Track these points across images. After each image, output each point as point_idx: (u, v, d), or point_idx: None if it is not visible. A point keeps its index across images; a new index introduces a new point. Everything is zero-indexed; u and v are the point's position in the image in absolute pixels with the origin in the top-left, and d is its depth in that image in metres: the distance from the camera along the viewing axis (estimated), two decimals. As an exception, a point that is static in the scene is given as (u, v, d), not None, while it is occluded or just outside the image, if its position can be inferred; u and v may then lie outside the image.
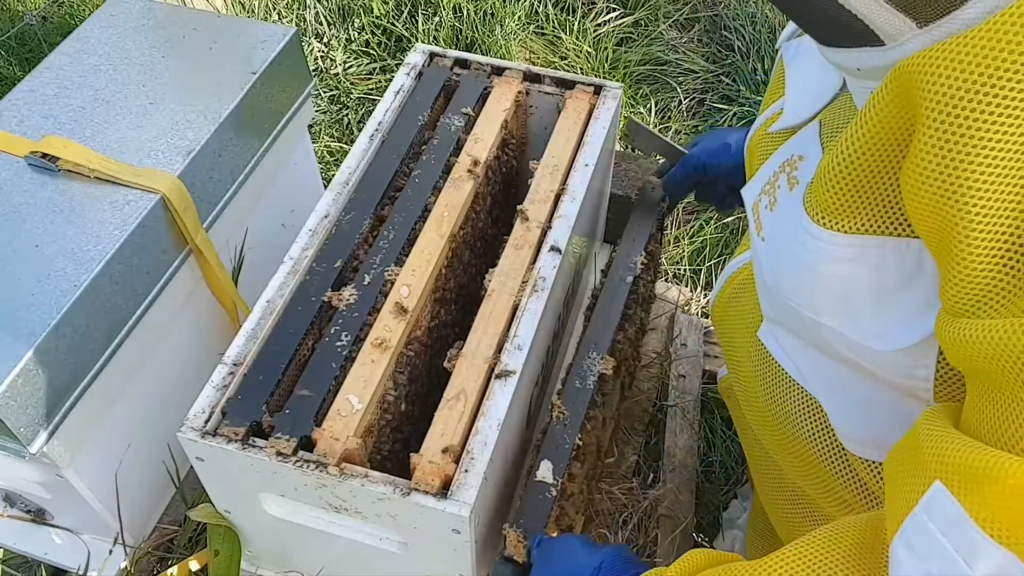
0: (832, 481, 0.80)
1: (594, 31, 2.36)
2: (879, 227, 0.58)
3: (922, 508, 0.49)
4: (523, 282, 0.93)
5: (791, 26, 0.88)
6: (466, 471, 0.78)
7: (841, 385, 0.72)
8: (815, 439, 0.80)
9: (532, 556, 0.82)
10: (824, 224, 0.60)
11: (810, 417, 0.80)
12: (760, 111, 0.89)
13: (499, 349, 0.88)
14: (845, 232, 0.59)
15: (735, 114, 2.19)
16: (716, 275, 1.87)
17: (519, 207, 1.00)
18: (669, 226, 1.93)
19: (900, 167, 0.54)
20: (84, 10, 2.34)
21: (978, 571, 0.45)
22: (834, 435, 0.77)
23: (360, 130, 1.65)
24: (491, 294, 0.92)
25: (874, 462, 0.73)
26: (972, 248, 0.47)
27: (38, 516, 1.18)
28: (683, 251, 1.87)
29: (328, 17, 2.35)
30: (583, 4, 2.43)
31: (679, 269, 1.84)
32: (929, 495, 0.49)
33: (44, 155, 1.05)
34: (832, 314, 0.64)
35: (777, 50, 0.88)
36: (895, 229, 0.58)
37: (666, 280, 1.78)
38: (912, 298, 0.59)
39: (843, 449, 0.77)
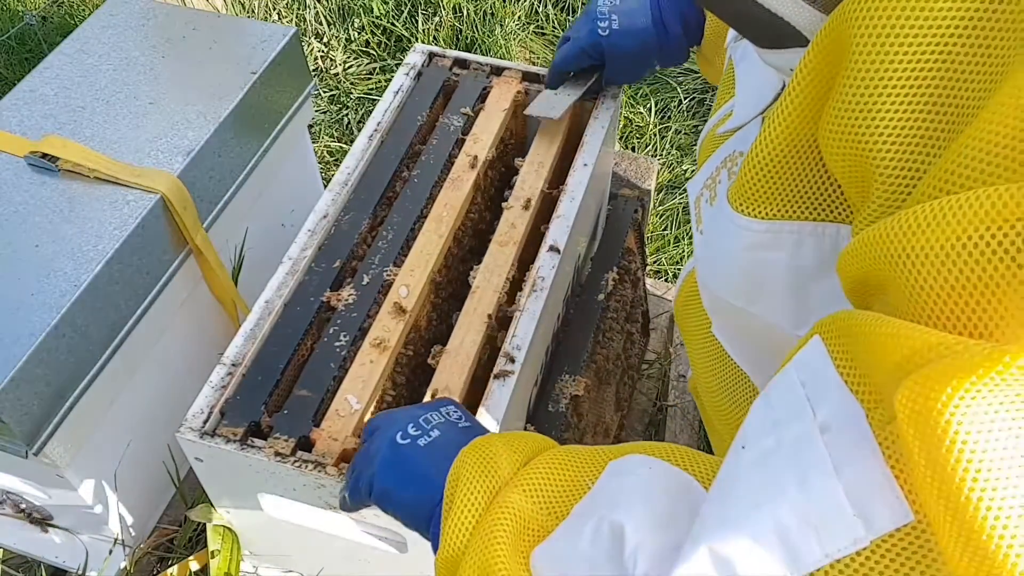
0: None
1: (594, 31, 2.36)
2: (795, 212, 0.59)
3: (794, 362, 0.47)
4: (506, 279, 0.93)
5: None
6: (465, 471, 0.78)
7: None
8: None
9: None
10: (743, 211, 0.62)
11: None
12: (711, 114, 0.90)
13: (485, 343, 0.88)
14: (762, 218, 0.61)
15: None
16: (716, 275, 1.86)
17: (504, 204, 1.01)
18: (668, 227, 1.94)
19: (815, 145, 0.56)
20: (84, 10, 2.34)
21: (818, 414, 0.43)
22: None
23: (360, 130, 1.65)
24: (475, 291, 0.92)
25: None
26: (884, 169, 0.47)
27: (38, 516, 1.18)
28: (683, 251, 1.87)
29: (328, 17, 2.35)
30: (583, 4, 2.43)
31: (679, 269, 1.84)
32: (804, 351, 0.47)
33: (44, 155, 1.05)
34: (755, 301, 0.66)
35: (726, 50, 0.89)
36: (811, 214, 0.59)
37: (666, 280, 1.78)
38: (831, 285, 0.60)
39: None
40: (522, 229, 0.98)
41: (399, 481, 0.64)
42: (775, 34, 0.58)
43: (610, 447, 0.59)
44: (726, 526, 0.43)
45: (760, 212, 0.61)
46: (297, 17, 2.35)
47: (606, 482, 0.54)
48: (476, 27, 2.29)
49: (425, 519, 0.63)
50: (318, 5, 2.36)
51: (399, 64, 2.21)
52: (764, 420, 0.46)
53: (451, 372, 0.85)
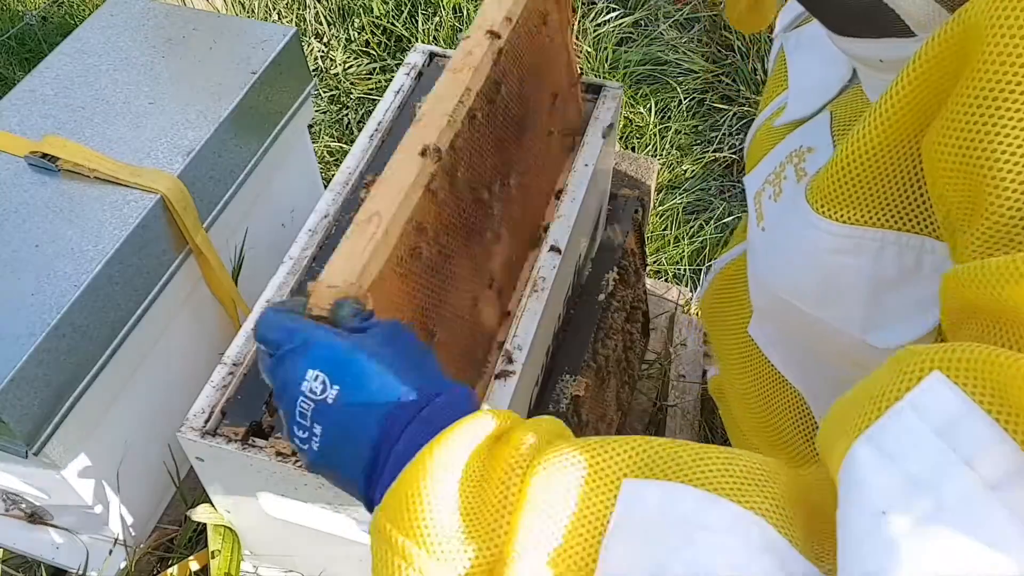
0: None
1: (594, 31, 2.36)
2: (881, 219, 0.57)
3: (908, 403, 0.40)
4: (457, 104, 0.82)
5: (788, 15, 0.86)
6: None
7: (829, 383, 0.72)
8: (802, 438, 0.79)
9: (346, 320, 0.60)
10: (824, 213, 0.59)
11: (797, 415, 0.79)
12: (761, 106, 0.88)
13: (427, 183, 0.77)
14: (844, 222, 0.58)
15: (735, 114, 2.19)
16: (716, 275, 1.87)
17: (461, 34, 0.92)
18: (668, 227, 1.93)
19: (918, 155, 0.53)
20: (84, 10, 2.34)
21: (978, 469, 0.37)
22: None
23: (360, 130, 1.65)
24: (420, 120, 0.80)
25: None
26: (1002, 193, 0.43)
27: (38, 516, 1.18)
28: (683, 251, 1.87)
29: (328, 17, 2.35)
30: (583, 4, 2.43)
31: (679, 269, 1.84)
32: (921, 388, 0.40)
33: (44, 155, 1.05)
34: (826, 306, 0.63)
35: (771, 40, 0.87)
36: (897, 223, 0.57)
37: (666, 280, 1.78)
38: (909, 295, 0.58)
39: None
40: (479, 55, 0.85)
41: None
42: (869, 21, 0.54)
43: (617, 443, 0.49)
44: None
45: (843, 216, 0.58)
46: (297, 17, 2.35)
47: (659, 533, 0.44)
48: (476, 27, 2.29)
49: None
50: (318, 5, 2.36)
51: (399, 64, 2.21)
52: (894, 479, 0.39)
53: (385, 198, 0.73)
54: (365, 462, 0.53)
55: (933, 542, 0.36)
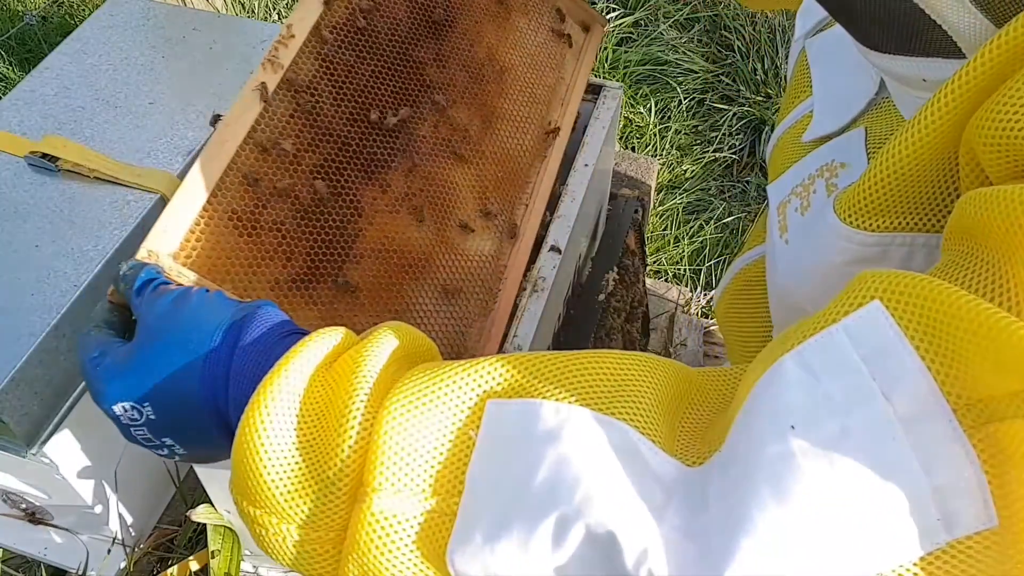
0: None
1: (594, 31, 2.36)
2: (911, 223, 0.56)
3: (842, 328, 0.41)
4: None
5: (810, 19, 0.84)
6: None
7: None
8: None
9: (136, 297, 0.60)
10: (852, 223, 0.58)
11: None
12: (781, 113, 0.86)
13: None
14: (873, 231, 0.57)
15: (735, 114, 2.19)
16: (716, 275, 1.87)
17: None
18: (668, 227, 1.93)
19: (954, 162, 0.51)
20: (84, 10, 2.34)
21: (894, 403, 0.38)
22: None
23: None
24: None
25: None
26: None
27: (38, 516, 1.18)
28: (683, 251, 1.87)
29: (328, 17, 2.34)
30: (583, 4, 2.43)
31: (679, 269, 1.84)
32: (859, 314, 0.41)
33: (44, 155, 1.05)
34: None
35: (788, 44, 0.85)
36: (927, 225, 0.55)
37: (666, 280, 1.78)
38: None
39: None
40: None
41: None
42: (911, 39, 0.52)
43: (481, 364, 0.48)
44: (786, 525, 0.37)
45: (873, 224, 0.57)
46: (297, 17, 2.35)
47: (520, 449, 0.44)
48: (476, 27, 2.29)
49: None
50: (318, 5, 2.36)
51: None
52: (813, 398, 0.40)
53: (204, 162, 0.75)
54: (221, 434, 0.54)
55: (830, 463, 0.38)
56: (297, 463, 0.47)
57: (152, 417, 0.55)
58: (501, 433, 0.45)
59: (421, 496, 0.45)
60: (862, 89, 0.71)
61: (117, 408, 0.56)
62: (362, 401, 0.47)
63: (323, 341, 0.51)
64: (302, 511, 0.47)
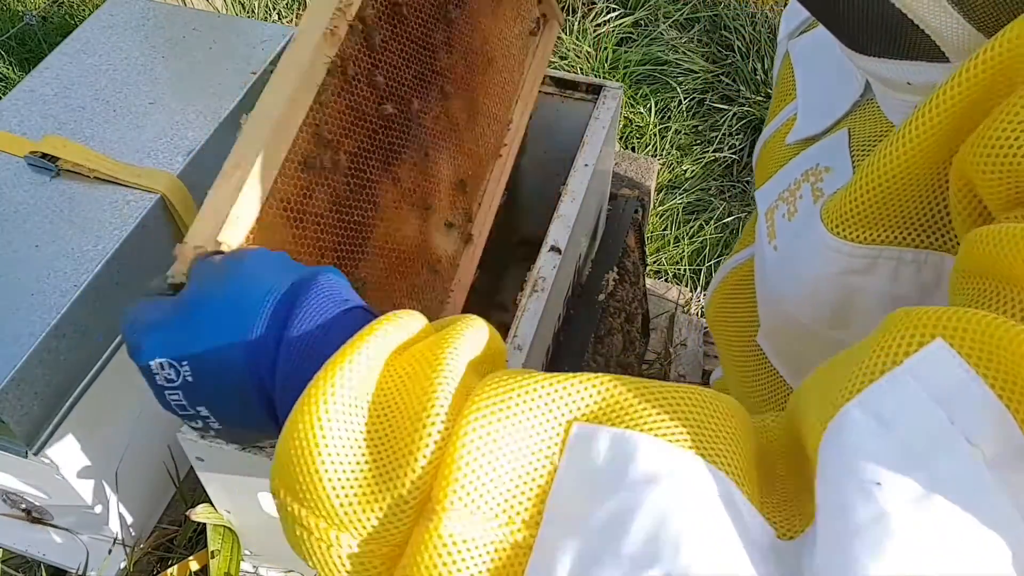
0: None
1: (594, 31, 2.36)
2: (899, 238, 0.56)
3: (907, 370, 0.38)
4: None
5: (793, 20, 0.84)
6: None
7: None
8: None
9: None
10: (840, 234, 0.58)
11: None
12: (769, 115, 0.86)
13: None
14: (862, 242, 0.57)
15: (735, 114, 2.19)
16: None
17: None
18: (668, 227, 1.94)
19: (946, 181, 0.51)
20: (84, 10, 2.34)
21: (980, 446, 0.36)
22: None
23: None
24: None
25: None
26: None
27: (38, 516, 1.18)
28: (683, 251, 1.87)
29: (328, 17, 2.35)
30: (583, 4, 2.43)
31: (679, 269, 1.84)
32: (922, 355, 0.38)
33: (44, 155, 1.05)
34: (840, 327, 0.62)
35: (772, 41, 0.85)
36: (915, 241, 0.55)
37: (666, 280, 1.78)
38: None
39: None
40: None
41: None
42: (896, 42, 0.52)
43: (568, 382, 0.43)
44: None
45: (860, 236, 0.56)
46: (297, 17, 2.35)
47: (614, 486, 0.40)
48: (476, 27, 2.29)
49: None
50: (318, 5, 2.36)
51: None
52: (892, 449, 0.37)
53: (252, 138, 0.66)
54: (264, 413, 0.49)
55: (926, 518, 0.35)
56: (362, 469, 0.41)
57: (189, 379, 0.49)
58: (590, 463, 0.41)
59: (495, 522, 0.40)
60: (846, 90, 0.70)
61: (153, 364, 0.51)
62: (443, 406, 0.42)
63: (403, 324, 0.46)
64: (362, 523, 0.42)
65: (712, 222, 1.94)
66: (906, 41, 0.51)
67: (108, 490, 1.09)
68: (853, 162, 0.66)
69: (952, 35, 0.49)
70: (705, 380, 1.48)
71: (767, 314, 0.74)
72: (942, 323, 0.39)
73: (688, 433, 0.41)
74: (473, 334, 0.47)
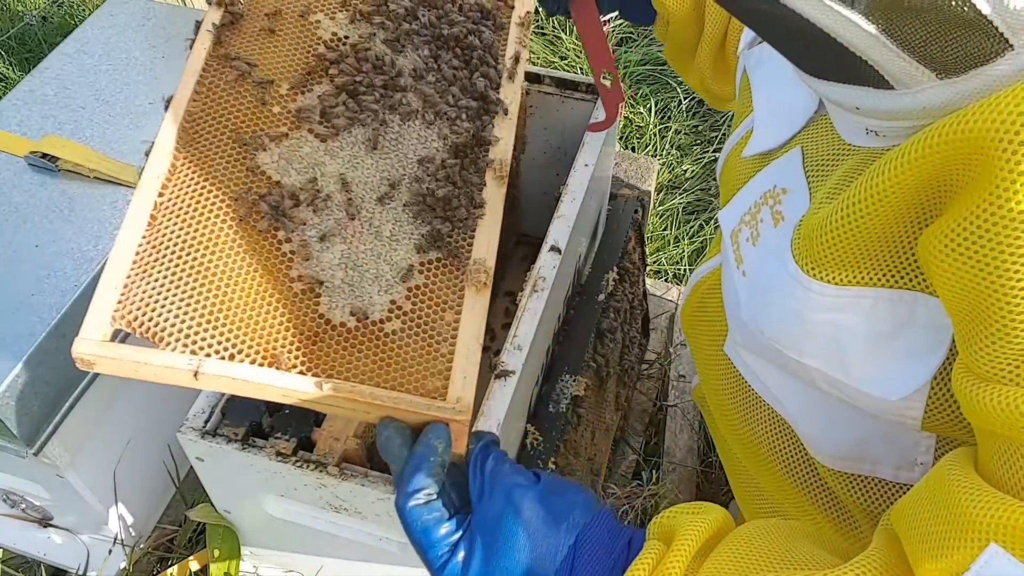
0: (799, 496, 0.79)
1: (594, 31, 2.36)
2: (875, 279, 0.57)
3: (975, 574, 0.45)
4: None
5: (750, 33, 0.83)
6: (466, 471, 0.78)
7: (815, 405, 0.71)
8: (781, 456, 0.79)
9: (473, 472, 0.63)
10: (815, 276, 0.59)
11: (776, 434, 0.79)
12: (732, 128, 0.86)
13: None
14: (839, 284, 0.58)
15: (734, 114, 2.18)
16: (716, 275, 1.86)
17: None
18: (668, 227, 1.94)
19: (916, 229, 0.53)
20: (84, 10, 2.34)
21: None
22: (801, 452, 0.76)
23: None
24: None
25: (849, 474, 0.72)
26: (1012, 321, 0.46)
27: (38, 516, 1.18)
28: (683, 251, 1.87)
29: (328, 17, 2.34)
30: (583, 4, 2.43)
31: (679, 269, 1.84)
32: (985, 559, 0.45)
33: (44, 155, 1.05)
34: (820, 358, 0.63)
35: (738, 59, 0.84)
36: (890, 281, 0.57)
37: (666, 280, 1.78)
38: (904, 345, 0.58)
39: (811, 465, 0.76)
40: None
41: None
42: (846, 70, 0.54)
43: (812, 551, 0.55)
44: None
45: (836, 278, 0.58)
46: (297, 17, 2.35)
47: None
48: (476, 27, 2.29)
49: None
50: (318, 5, 2.36)
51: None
52: None
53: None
54: None
55: None
56: None
57: None
58: None
59: None
60: (801, 104, 0.71)
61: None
62: None
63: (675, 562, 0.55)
64: None
65: (712, 222, 1.94)
66: (852, 70, 0.53)
67: (108, 490, 1.09)
68: (809, 183, 0.66)
69: (893, 67, 0.51)
70: (705, 380, 1.48)
71: (738, 334, 0.75)
72: (995, 526, 0.45)
73: None
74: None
